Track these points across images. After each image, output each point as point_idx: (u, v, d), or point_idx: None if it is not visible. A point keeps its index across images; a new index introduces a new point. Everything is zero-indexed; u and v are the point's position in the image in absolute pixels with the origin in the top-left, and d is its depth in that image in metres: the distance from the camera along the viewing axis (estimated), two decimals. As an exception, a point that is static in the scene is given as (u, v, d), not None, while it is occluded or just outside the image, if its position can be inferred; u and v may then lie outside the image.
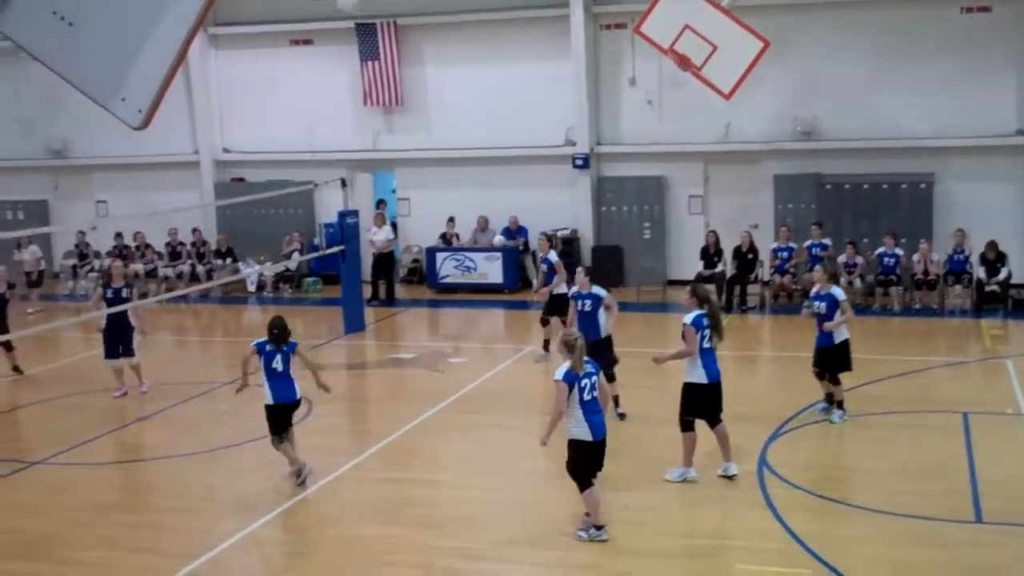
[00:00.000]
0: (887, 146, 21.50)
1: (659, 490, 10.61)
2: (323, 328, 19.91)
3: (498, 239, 23.48)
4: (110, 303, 14.76)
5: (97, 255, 24.94)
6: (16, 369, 16.50)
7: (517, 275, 23.39)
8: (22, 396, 15.61)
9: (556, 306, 16.07)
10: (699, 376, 10.63)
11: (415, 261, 24.82)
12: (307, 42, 25.08)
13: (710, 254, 21.12)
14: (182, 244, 24.70)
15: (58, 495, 11.30)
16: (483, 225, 23.76)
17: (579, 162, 23.39)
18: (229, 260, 24.18)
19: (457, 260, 23.44)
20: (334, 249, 19.98)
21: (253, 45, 25.02)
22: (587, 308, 13.28)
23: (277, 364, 11.04)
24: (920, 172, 21.34)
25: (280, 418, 11.05)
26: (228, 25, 24.59)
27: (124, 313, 14.82)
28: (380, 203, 23.97)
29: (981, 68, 21.07)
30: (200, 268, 24.18)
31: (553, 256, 16.52)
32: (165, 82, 4.58)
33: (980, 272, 19.81)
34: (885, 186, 21.43)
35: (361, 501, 10.86)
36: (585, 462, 9.36)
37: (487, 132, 23.66)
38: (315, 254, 21.71)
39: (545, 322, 16.54)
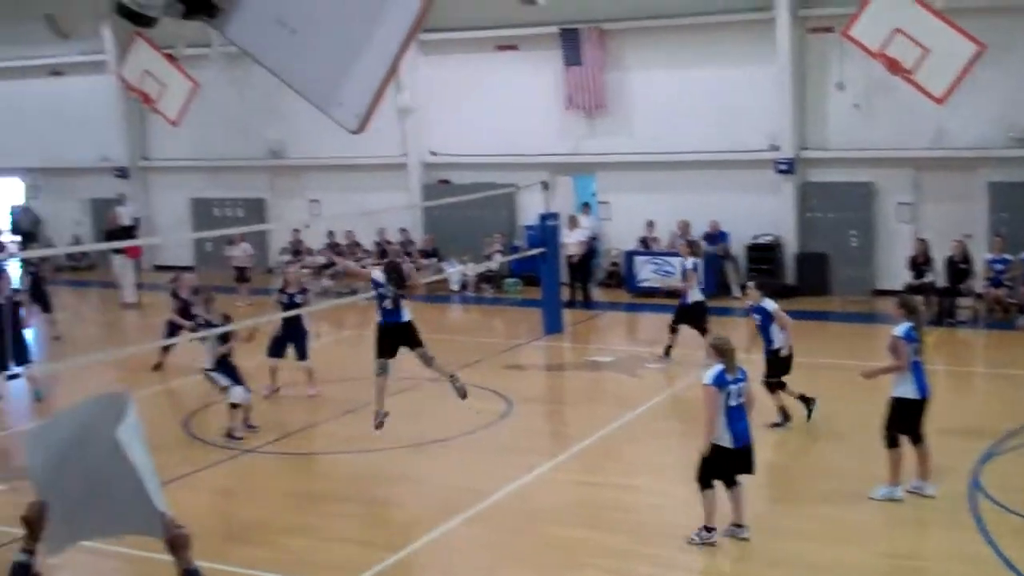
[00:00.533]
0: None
1: (861, 505, 10.36)
2: (522, 329, 20.21)
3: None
4: (285, 308, 15.27)
5: (310, 252, 25.95)
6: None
7: (716, 281, 23.15)
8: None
9: (687, 315, 16.31)
10: (910, 391, 10.32)
11: (614, 264, 24.88)
12: (512, 47, 25.47)
13: (919, 264, 20.39)
14: (389, 243, 25.49)
15: (269, 482, 11.88)
16: (683, 230, 23.60)
17: (783, 167, 22.98)
18: (434, 259, 24.82)
19: (656, 264, 23.37)
20: (534, 251, 20.27)
21: (460, 50, 25.57)
22: (757, 322, 13.06)
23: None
24: None
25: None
26: (436, 31, 25.21)
27: (299, 318, 15.24)
28: (585, 207, 24.22)
29: None
30: (406, 267, 24.84)
31: (689, 263, 16.46)
32: (381, 88, 4.78)
33: None
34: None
35: (559, 503, 11.02)
36: (714, 467, 9.31)
37: (689, 136, 23.50)
38: (516, 255, 22.08)
39: (674, 329, 16.51)
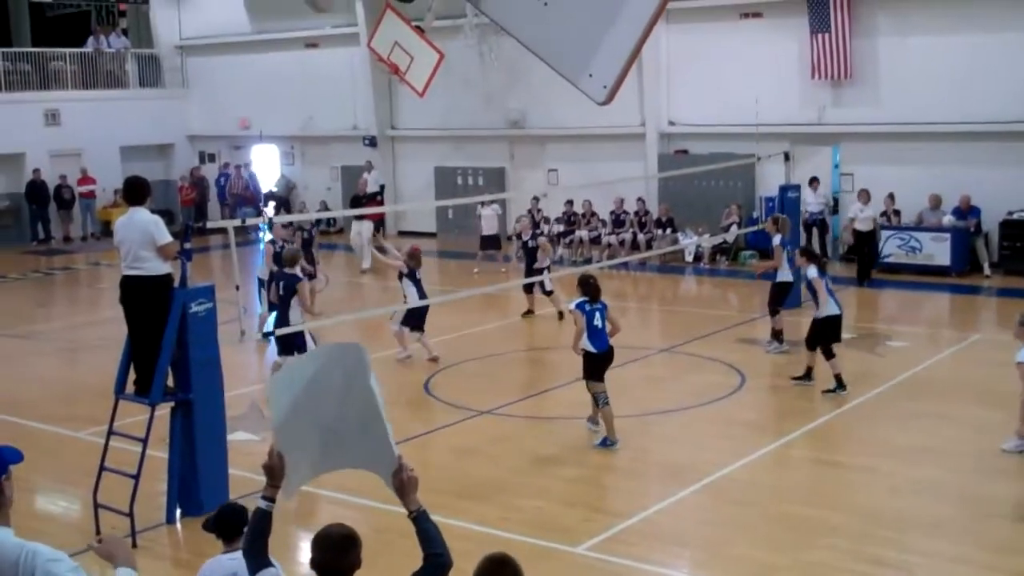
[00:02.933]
0: None
1: None
2: (758, 301, 19.92)
3: (947, 219, 22.33)
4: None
5: (547, 221, 26.34)
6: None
7: (966, 257, 22.16)
8: (473, 349, 16.85)
9: (780, 294, 16.18)
10: None
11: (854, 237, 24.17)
12: (757, 15, 24.99)
13: None
14: (626, 213, 25.59)
15: (503, 444, 12.24)
16: (934, 203, 22.65)
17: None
18: (669, 230, 24.77)
19: (902, 239, 22.55)
20: (773, 224, 19.92)
21: (704, 19, 25.27)
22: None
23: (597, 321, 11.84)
24: None
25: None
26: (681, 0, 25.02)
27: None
28: (813, 180, 23.57)
29: None
30: (641, 237, 24.97)
31: (776, 240, 15.98)
32: (630, 60, 4.85)
33: None
34: None
35: (791, 480, 10.93)
36: None
37: (940, 106, 22.44)
38: (753, 227, 21.76)
39: (775, 312, 16.15)
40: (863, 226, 21.97)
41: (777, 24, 24.55)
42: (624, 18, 4.56)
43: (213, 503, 10.10)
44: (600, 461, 11.55)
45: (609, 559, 8.98)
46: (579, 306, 11.87)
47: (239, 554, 5.22)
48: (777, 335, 16.27)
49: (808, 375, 14.03)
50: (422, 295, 15.44)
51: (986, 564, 8.76)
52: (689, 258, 24.65)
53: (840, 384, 13.55)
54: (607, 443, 11.67)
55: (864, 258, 21.97)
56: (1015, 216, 21.98)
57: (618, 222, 25.59)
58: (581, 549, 9.13)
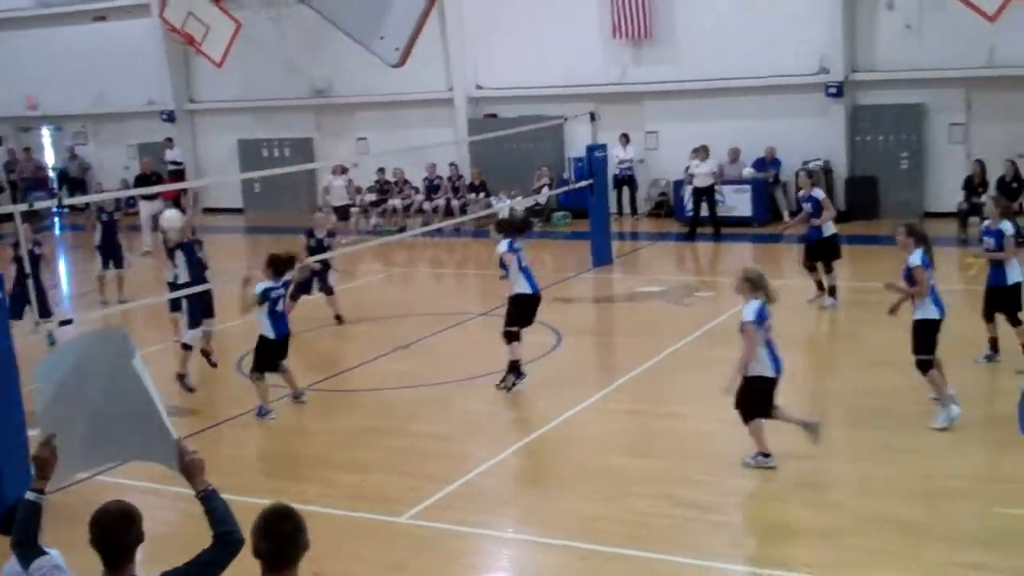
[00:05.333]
0: None
1: (911, 428, 10.33)
2: (571, 261, 20.19)
3: (747, 171, 23.07)
4: (312, 251, 15.41)
5: (359, 191, 26.00)
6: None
7: (767, 208, 22.96)
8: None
9: (824, 249, 15.47)
10: (932, 312, 10.45)
11: (662, 194, 24.74)
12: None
13: (974, 184, 20.05)
14: (439, 178, 25.49)
15: (320, 420, 12.03)
16: (734, 157, 23.35)
17: (832, 90, 22.63)
18: (482, 195, 24.80)
19: (705, 193, 23.16)
20: (583, 183, 20.20)
21: (504, -20, 25.29)
22: (808, 210, 15.56)
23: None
24: None
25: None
26: (480, -39, 24.97)
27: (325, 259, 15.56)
28: (623, 136, 23.95)
29: None
30: (455, 203, 24.94)
31: (819, 193, 15.69)
32: (420, 21, 4.76)
33: None
34: None
35: (608, 432, 11.09)
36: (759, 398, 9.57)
37: (737, 62, 23.10)
38: (564, 188, 21.99)
39: (811, 267, 15.63)
40: (701, 182, 22.14)
41: (578, -16, 24.76)
42: None
43: (15, 498, 9.63)
44: (420, 429, 11.46)
45: (432, 525, 8.93)
46: (510, 247, 12.34)
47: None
48: (821, 287, 15.59)
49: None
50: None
51: (799, 500, 9.09)
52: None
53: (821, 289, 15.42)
54: None
55: (709, 213, 22.15)
56: (810, 165, 22.82)
57: (431, 188, 25.47)
58: (404, 519, 9.05)
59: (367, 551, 8.57)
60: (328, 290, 16.17)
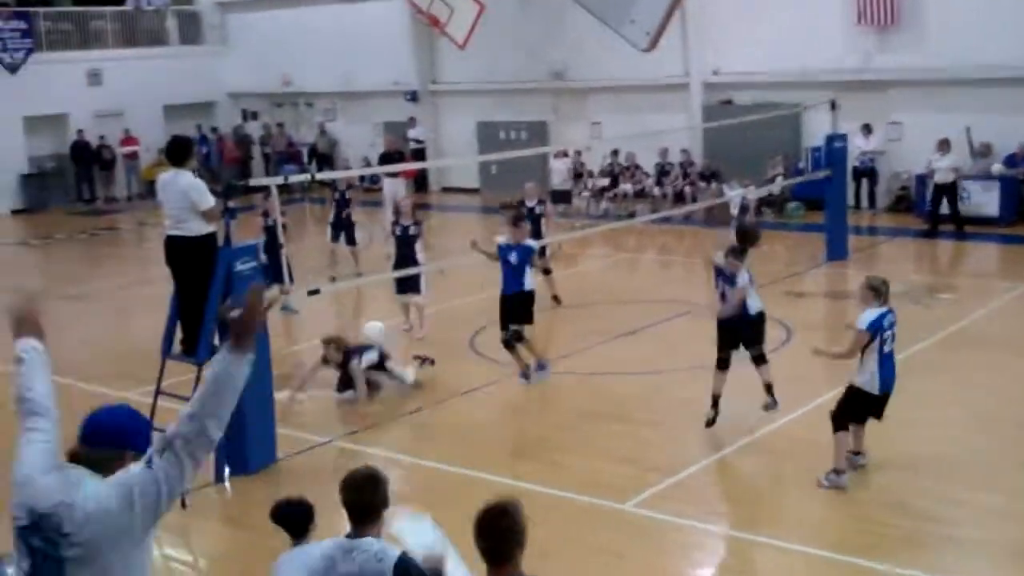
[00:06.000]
0: None
1: None
2: (805, 254, 19.76)
3: (996, 167, 21.94)
4: (399, 241, 14.91)
5: (591, 175, 26.17)
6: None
7: (1016, 207, 21.79)
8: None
9: None
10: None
11: (903, 189, 23.83)
12: (801, -39, 24.56)
13: None
14: (670, 164, 25.37)
15: (550, 401, 12.24)
16: (984, 151, 22.24)
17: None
18: (714, 184, 24.53)
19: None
20: (819, 174, 19.71)
21: (747, -33, 24.87)
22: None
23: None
24: None
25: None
26: (723, -53, 24.64)
27: (412, 252, 14.74)
28: (865, 127, 23.19)
29: None
30: (687, 189, 24.77)
31: None
32: (672, 6, 4.77)
33: None
34: None
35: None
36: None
37: (992, 49, 21.88)
38: (799, 178, 21.51)
39: None
40: (942, 177, 21.13)
41: (823, -30, 24.09)
42: None
43: (260, 462, 10.24)
44: (649, 418, 11.50)
45: (656, 516, 8.98)
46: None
47: (314, 544, 5.34)
48: None
49: None
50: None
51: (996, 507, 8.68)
52: (735, 211, 24.37)
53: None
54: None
55: (951, 211, 21.18)
56: (1068, 165, 21.57)
57: (662, 174, 25.37)
58: (628, 506, 9.13)
59: (590, 536, 8.70)
60: (544, 268, 16.17)
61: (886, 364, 9.21)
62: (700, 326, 14.99)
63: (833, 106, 19.77)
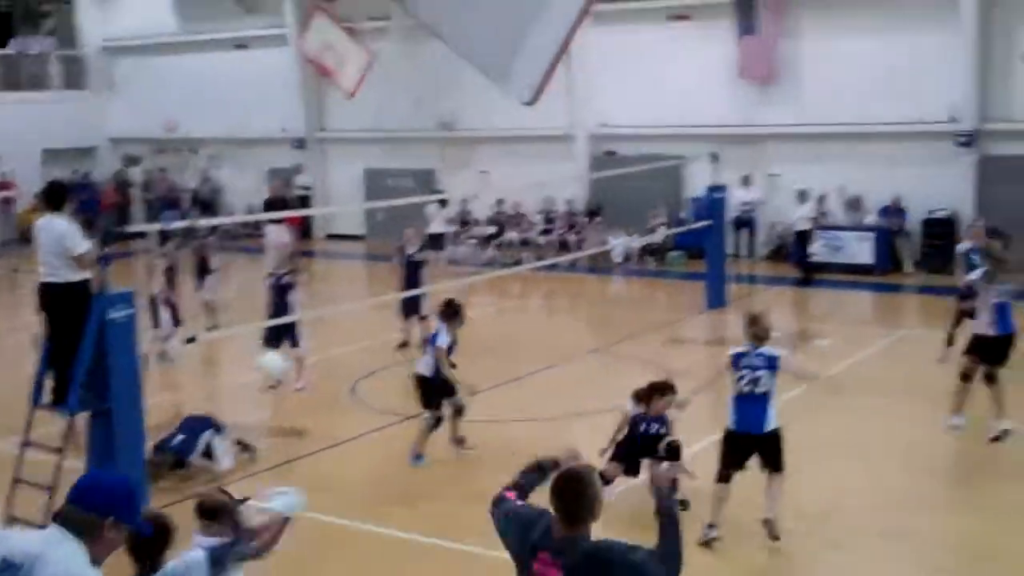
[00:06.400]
0: None
1: None
2: (685, 302, 20.11)
3: (870, 219, 22.72)
4: (271, 290, 14.53)
5: (477, 222, 26.33)
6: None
7: (889, 257, 22.55)
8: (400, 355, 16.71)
9: None
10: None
11: (780, 238, 24.48)
12: (684, 17, 25.21)
13: None
14: (555, 212, 25.70)
15: (428, 451, 12.16)
16: (857, 204, 23.02)
17: (963, 139, 22.17)
18: (598, 219, 24.79)
19: (826, 239, 22.87)
20: (700, 224, 20.14)
21: (632, 20, 25.37)
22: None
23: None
24: None
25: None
26: (608, 1, 25.12)
27: (284, 302, 14.24)
28: (745, 178, 23.77)
29: None
30: (571, 238, 25.08)
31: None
32: (554, 61, 4.86)
33: None
34: None
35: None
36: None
37: (864, 107, 22.84)
38: (681, 228, 21.94)
39: (957, 320, 14.04)
40: (801, 226, 22.05)
41: (705, 26, 24.78)
42: (548, 20, 4.56)
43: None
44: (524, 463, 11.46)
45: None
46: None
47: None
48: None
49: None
50: None
51: (897, 555, 8.90)
52: (618, 259, 24.77)
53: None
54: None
55: (801, 257, 22.09)
56: (937, 215, 22.42)
57: (548, 222, 25.66)
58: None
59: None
60: (422, 316, 15.96)
61: (739, 404, 9.15)
62: (582, 373, 15.20)
63: (714, 158, 20.27)
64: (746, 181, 23.80)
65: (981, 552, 9.14)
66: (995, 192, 22.11)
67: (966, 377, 11.42)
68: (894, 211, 22.67)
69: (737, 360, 9.16)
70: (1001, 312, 11.31)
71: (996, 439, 11.40)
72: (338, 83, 26.97)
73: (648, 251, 24.70)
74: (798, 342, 16.74)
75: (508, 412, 13.30)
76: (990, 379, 11.39)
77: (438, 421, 11.64)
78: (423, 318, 16.10)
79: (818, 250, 22.41)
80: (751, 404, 9.09)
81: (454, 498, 10.50)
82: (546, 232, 25.53)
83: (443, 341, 11.45)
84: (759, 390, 9.05)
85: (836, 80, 23.17)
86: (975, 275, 11.69)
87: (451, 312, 11.55)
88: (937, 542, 9.31)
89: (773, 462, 9.15)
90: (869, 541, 9.31)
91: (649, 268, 24.38)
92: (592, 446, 11.87)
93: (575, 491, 4.69)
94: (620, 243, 24.22)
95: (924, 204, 22.45)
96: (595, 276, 23.94)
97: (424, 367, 11.56)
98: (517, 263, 23.71)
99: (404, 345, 16.47)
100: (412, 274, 16.31)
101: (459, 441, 11.99)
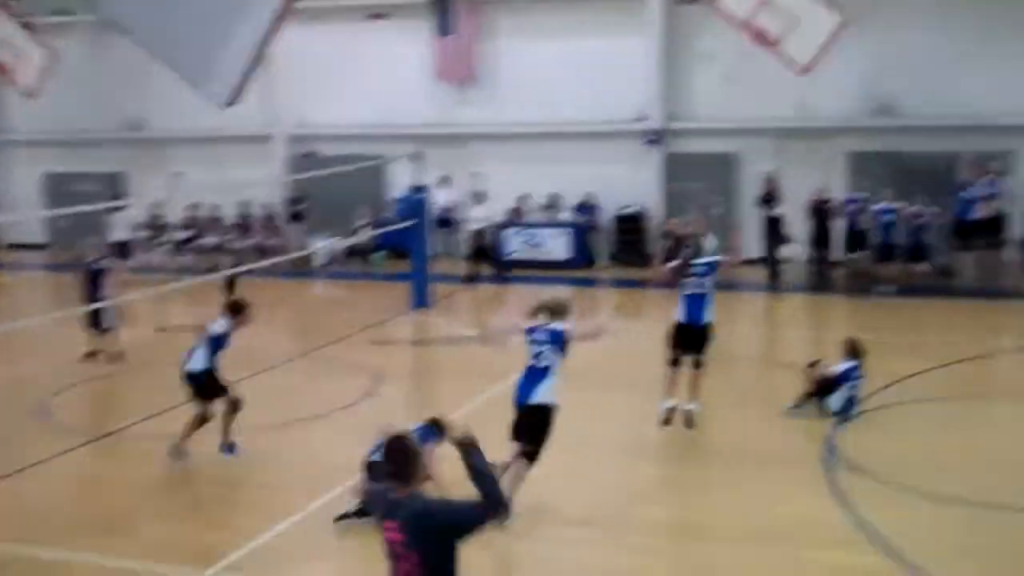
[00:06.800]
0: (966, 123, 20.99)
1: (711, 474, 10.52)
2: (390, 303, 19.99)
3: (565, 215, 23.41)
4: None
5: (170, 227, 25.23)
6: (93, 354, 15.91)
7: (585, 252, 23.30)
8: (90, 368, 15.79)
9: None
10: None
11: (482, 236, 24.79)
12: (381, 16, 25.11)
13: (769, 198, 20.75)
14: (250, 216, 25.00)
15: (129, 469, 11.48)
16: (554, 201, 23.67)
17: (650, 138, 23.21)
18: (300, 222, 24.30)
19: (526, 236, 23.39)
20: (403, 224, 20.07)
21: (329, 19, 25.04)
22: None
23: None
24: (999, 150, 20.87)
25: None
26: (304, -1, 24.70)
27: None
28: (444, 179, 23.78)
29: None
30: (272, 242, 24.47)
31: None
32: (253, 62, 4.62)
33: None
34: (963, 165, 20.99)
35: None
36: None
37: (560, 108, 23.55)
38: (384, 228, 21.82)
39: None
40: (479, 225, 22.39)
41: (403, 26, 24.80)
42: (245, 21, 4.31)
43: None
44: (234, 477, 11.04)
45: (242, 579, 8.58)
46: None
47: None
48: None
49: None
50: None
51: (599, 539, 9.09)
52: (322, 262, 24.36)
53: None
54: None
55: (490, 257, 22.41)
56: (628, 211, 23.37)
57: (244, 227, 24.93)
58: (210, 573, 8.66)
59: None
60: (104, 328, 15.57)
61: (522, 377, 9.55)
62: (287, 380, 14.78)
63: (416, 158, 20.26)
64: (445, 181, 23.90)
65: (689, 533, 9.46)
66: (681, 187, 23.30)
67: (673, 363, 11.83)
68: (588, 208, 23.45)
69: (529, 333, 9.65)
70: (694, 303, 11.78)
71: (667, 422, 11.78)
72: (14, 82, 25.25)
73: (352, 253, 24.43)
74: (501, 340, 16.93)
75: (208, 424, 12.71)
76: (697, 365, 11.83)
77: (204, 419, 11.27)
78: (105, 331, 15.60)
79: (516, 246, 22.92)
80: (529, 377, 9.48)
81: (159, 520, 9.90)
82: (244, 236, 24.76)
83: (218, 330, 11.23)
84: (541, 364, 9.44)
85: (532, 80, 23.73)
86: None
87: (236, 309, 11.40)
88: (645, 526, 9.55)
89: (529, 437, 9.42)
90: (576, 530, 9.45)
91: (354, 270, 24.12)
92: (293, 453, 11.59)
93: (404, 455, 5.34)
94: (323, 245, 23.82)
95: (616, 200, 23.34)
96: (298, 280, 23.45)
97: (195, 362, 11.24)
98: (213, 269, 22.86)
99: (91, 355, 15.77)
100: (94, 284, 15.56)
101: (230, 448, 11.46)
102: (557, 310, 9.77)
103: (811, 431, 11.69)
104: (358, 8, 25.03)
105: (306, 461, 11.44)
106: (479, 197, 22.62)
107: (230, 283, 17.86)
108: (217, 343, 11.28)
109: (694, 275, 11.70)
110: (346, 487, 9.91)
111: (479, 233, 22.41)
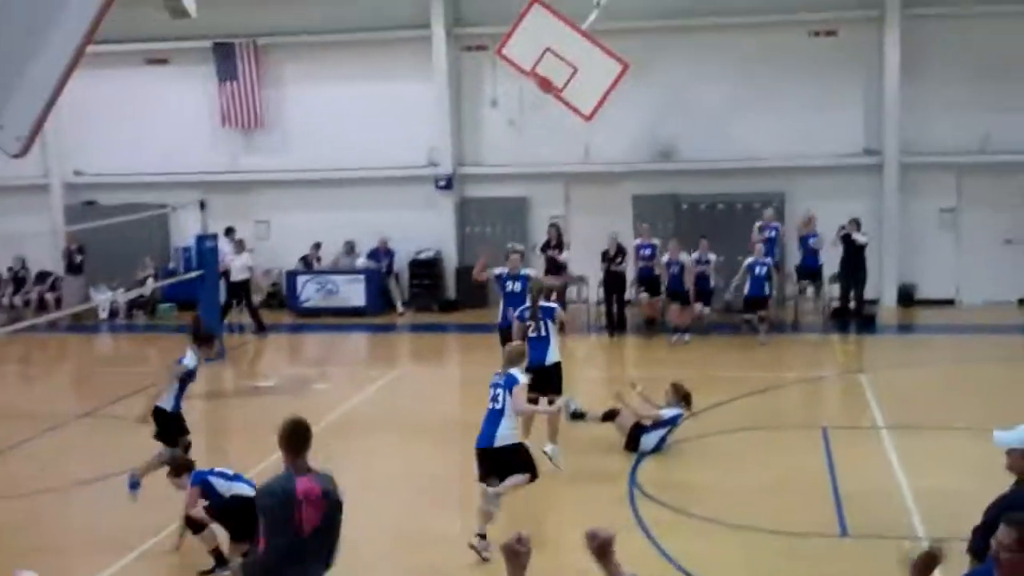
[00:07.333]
0: (741, 166, 22.06)
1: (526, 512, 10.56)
2: (177, 355, 19.28)
3: (361, 262, 23.25)
4: None
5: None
6: None
7: (380, 298, 23.17)
8: None
9: None
10: None
11: (274, 285, 24.32)
12: (163, 61, 24.46)
13: (551, 244, 20.84)
14: (26, 270, 23.84)
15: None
16: (348, 248, 23.47)
17: (442, 183, 23.36)
18: (79, 275, 23.16)
19: (319, 283, 23.09)
20: (192, 274, 19.49)
21: (108, 65, 24.00)
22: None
23: None
24: (772, 191, 21.95)
25: None
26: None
27: None
28: (229, 230, 22.87)
29: (829, 90, 21.87)
30: (49, 296, 23.35)
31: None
32: (46, 109, 4.38)
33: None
34: (739, 206, 21.99)
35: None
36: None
37: (350, 153, 23.40)
38: (171, 279, 21.13)
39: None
40: (238, 275, 21.04)
41: (185, 71, 24.23)
42: (37, 67, 4.07)
43: None
44: (16, 543, 10.38)
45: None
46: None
47: None
48: None
49: None
50: None
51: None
52: (104, 314, 23.37)
53: None
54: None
55: (249, 307, 21.41)
56: (422, 256, 23.40)
57: (18, 280, 23.71)
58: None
59: None
60: None
61: (485, 420, 9.81)
62: (73, 440, 14.06)
63: (202, 206, 19.72)
64: (230, 232, 22.77)
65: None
66: (473, 232, 23.52)
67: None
68: (383, 253, 23.34)
69: (493, 380, 9.96)
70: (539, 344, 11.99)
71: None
72: None
73: (137, 305, 23.54)
74: (296, 387, 16.64)
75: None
76: (551, 403, 11.86)
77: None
78: None
79: (310, 294, 22.60)
80: (489, 419, 9.79)
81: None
82: (19, 291, 23.51)
83: (187, 364, 11.32)
84: (497, 406, 9.76)
85: (321, 126, 23.56)
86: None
87: (203, 338, 11.82)
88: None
89: (500, 474, 9.69)
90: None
91: (139, 323, 23.24)
92: (90, 514, 11.02)
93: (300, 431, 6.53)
94: (105, 298, 22.86)
95: (411, 245, 23.34)
96: (79, 335, 22.41)
97: (164, 400, 11.18)
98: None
99: None
100: None
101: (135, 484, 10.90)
102: (512, 358, 10.09)
103: (616, 465, 11.89)
104: (137, 53, 24.24)
105: (98, 523, 10.88)
106: (239, 246, 21.64)
107: None
108: (188, 377, 11.36)
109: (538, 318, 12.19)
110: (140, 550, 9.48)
111: (243, 283, 21.29)
